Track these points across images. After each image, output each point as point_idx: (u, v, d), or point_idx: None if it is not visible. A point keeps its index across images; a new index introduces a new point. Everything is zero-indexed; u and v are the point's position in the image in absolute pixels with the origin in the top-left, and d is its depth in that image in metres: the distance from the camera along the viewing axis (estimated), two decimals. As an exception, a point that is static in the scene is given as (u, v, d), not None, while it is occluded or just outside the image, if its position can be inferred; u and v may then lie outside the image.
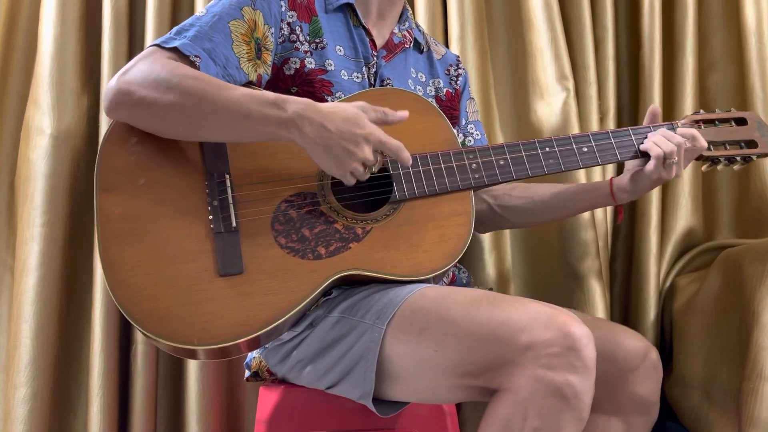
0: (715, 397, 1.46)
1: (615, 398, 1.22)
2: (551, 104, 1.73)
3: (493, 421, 0.96)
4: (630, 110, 1.86)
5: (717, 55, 1.85)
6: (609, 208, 1.80)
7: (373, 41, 1.33)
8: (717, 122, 1.36)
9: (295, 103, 1.06)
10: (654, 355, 1.25)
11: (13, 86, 1.81)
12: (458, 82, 1.48)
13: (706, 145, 1.29)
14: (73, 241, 1.72)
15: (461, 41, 1.75)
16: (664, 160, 1.24)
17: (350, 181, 1.11)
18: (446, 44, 1.78)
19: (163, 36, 1.16)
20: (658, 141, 1.26)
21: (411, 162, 1.13)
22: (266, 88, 1.22)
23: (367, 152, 1.07)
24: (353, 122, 1.07)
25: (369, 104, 1.11)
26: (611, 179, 1.35)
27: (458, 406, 1.66)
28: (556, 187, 1.41)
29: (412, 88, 1.37)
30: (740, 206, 1.79)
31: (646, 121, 1.33)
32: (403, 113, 1.12)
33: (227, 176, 1.13)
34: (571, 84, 1.73)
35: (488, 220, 1.46)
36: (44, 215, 1.66)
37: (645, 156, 1.27)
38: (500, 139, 1.81)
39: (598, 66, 1.79)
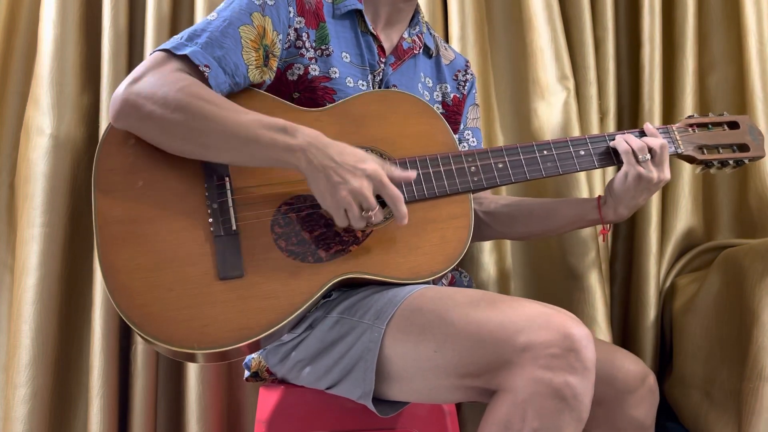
0: (715, 397, 1.46)
1: (612, 420, 1.22)
2: (552, 104, 1.73)
3: (493, 421, 0.96)
4: (630, 110, 1.86)
5: (717, 55, 1.85)
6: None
7: (381, 47, 1.32)
8: (710, 126, 1.37)
9: (306, 131, 1.07)
10: (652, 379, 1.25)
11: (13, 86, 1.80)
12: (465, 87, 1.47)
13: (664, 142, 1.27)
14: (73, 241, 1.72)
15: (462, 41, 1.75)
16: (635, 156, 1.24)
17: (342, 221, 1.08)
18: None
19: (175, 40, 1.14)
20: (627, 138, 1.26)
21: (406, 219, 1.10)
22: (268, 92, 1.21)
23: (365, 187, 1.06)
24: (360, 159, 1.07)
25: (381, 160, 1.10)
26: (600, 195, 1.34)
27: (458, 406, 1.66)
28: (544, 199, 1.40)
29: (421, 93, 1.36)
30: (740, 206, 1.79)
31: None
32: (411, 173, 1.12)
33: (227, 178, 1.13)
34: (571, 84, 1.72)
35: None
36: (44, 215, 1.66)
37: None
38: (500, 138, 1.81)
39: (598, 66, 1.79)
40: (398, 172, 1.11)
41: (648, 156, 1.24)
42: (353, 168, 1.06)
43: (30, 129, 1.70)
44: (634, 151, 1.24)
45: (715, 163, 1.36)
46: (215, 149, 1.09)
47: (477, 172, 1.22)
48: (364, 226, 1.10)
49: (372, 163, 1.07)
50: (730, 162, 1.36)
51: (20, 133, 1.73)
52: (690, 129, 1.36)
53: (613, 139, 1.28)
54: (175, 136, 1.09)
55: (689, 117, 1.39)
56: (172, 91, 1.07)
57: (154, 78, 1.09)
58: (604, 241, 1.42)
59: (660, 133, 1.32)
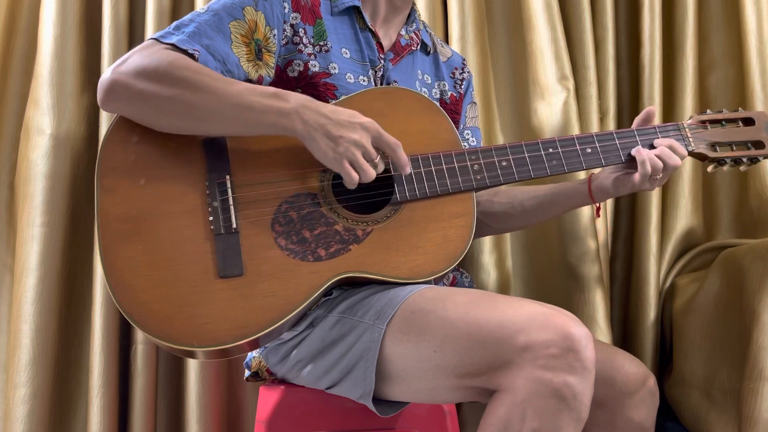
0: (715, 397, 1.46)
1: (612, 422, 1.22)
2: (552, 104, 1.73)
3: (492, 421, 0.96)
4: (630, 110, 1.86)
5: (717, 55, 1.86)
6: (609, 210, 1.80)
7: (380, 43, 1.32)
8: (724, 122, 1.34)
9: (296, 95, 1.09)
10: (652, 381, 1.25)
11: (13, 86, 1.81)
12: (462, 85, 1.47)
13: (678, 162, 1.26)
14: (73, 241, 1.72)
15: (462, 41, 1.75)
16: (650, 176, 1.24)
17: (350, 175, 1.09)
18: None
19: (161, 31, 1.15)
20: (650, 156, 1.24)
21: (408, 164, 1.13)
22: None
23: (363, 138, 1.08)
24: (353, 114, 1.09)
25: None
26: (589, 179, 1.34)
27: (458, 406, 1.66)
28: (535, 191, 1.40)
29: (419, 90, 1.36)
30: (740, 206, 1.79)
31: (637, 122, 1.31)
32: (405, 165, 1.13)
33: (228, 177, 1.13)
34: (571, 84, 1.73)
35: None
36: (44, 215, 1.66)
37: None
38: (500, 139, 1.81)
39: (598, 66, 1.79)
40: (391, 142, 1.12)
41: (660, 175, 1.24)
42: (348, 122, 1.08)
43: (30, 129, 1.70)
44: (651, 172, 1.23)
45: (728, 160, 1.32)
46: (209, 121, 1.09)
47: (480, 170, 1.21)
48: (372, 177, 1.10)
49: (365, 117, 1.10)
50: (744, 160, 1.32)
51: (20, 133, 1.73)
52: (702, 126, 1.32)
53: (622, 138, 1.27)
54: (168, 112, 1.09)
55: (702, 113, 1.35)
56: (162, 65, 1.07)
57: (140, 57, 1.10)
58: (599, 216, 1.43)
59: (670, 130, 1.30)
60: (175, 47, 1.11)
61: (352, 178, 1.09)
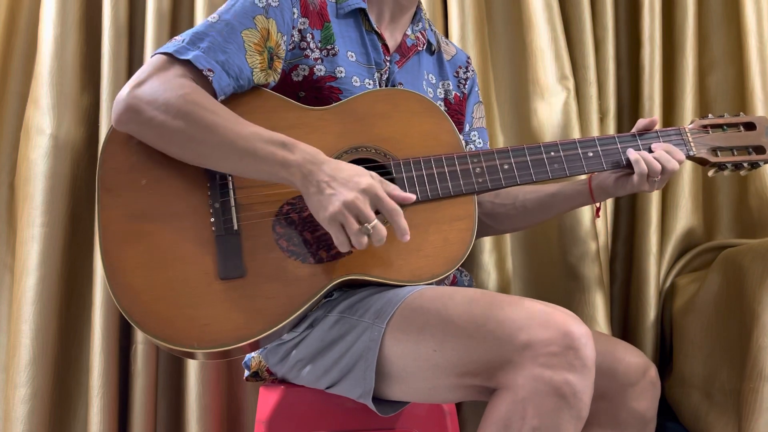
0: (715, 397, 1.46)
1: (614, 413, 1.22)
2: (552, 104, 1.73)
3: (492, 420, 0.96)
4: (630, 110, 1.86)
5: (717, 55, 1.85)
6: (609, 210, 1.80)
7: (385, 45, 1.32)
8: (725, 127, 1.33)
9: (304, 148, 1.06)
10: (653, 372, 1.25)
11: (13, 86, 1.80)
12: (466, 85, 1.46)
13: (676, 166, 1.26)
14: (73, 241, 1.72)
15: (462, 41, 1.75)
16: (648, 176, 1.24)
17: (341, 238, 1.03)
18: (446, 44, 1.78)
19: (177, 42, 1.14)
20: (646, 158, 1.25)
21: (408, 235, 1.05)
22: (273, 91, 1.21)
23: (359, 199, 1.02)
24: (356, 173, 1.04)
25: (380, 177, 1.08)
26: (589, 179, 1.35)
27: (458, 406, 1.66)
28: (536, 191, 1.40)
29: (426, 91, 1.36)
30: (740, 206, 1.79)
31: (638, 128, 1.31)
32: (410, 196, 1.08)
33: (230, 178, 1.13)
34: (571, 84, 1.72)
35: None
36: (44, 215, 1.66)
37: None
38: (500, 138, 1.81)
39: (598, 66, 1.79)
40: (397, 191, 1.08)
41: (659, 177, 1.24)
42: (347, 181, 1.03)
43: (30, 129, 1.70)
44: (648, 173, 1.24)
45: (729, 165, 1.31)
46: (212, 159, 1.09)
47: (482, 173, 1.21)
48: (366, 244, 1.03)
49: (368, 178, 1.04)
50: (745, 164, 1.32)
51: (20, 133, 1.73)
52: (704, 130, 1.32)
53: (623, 142, 1.27)
54: (173, 143, 1.09)
55: (704, 117, 1.34)
56: (173, 97, 1.07)
57: (157, 83, 1.09)
58: (598, 216, 1.44)
59: (672, 134, 1.30)
60: (190, 64, 1.11)
61: (339, 241, 1.04)
